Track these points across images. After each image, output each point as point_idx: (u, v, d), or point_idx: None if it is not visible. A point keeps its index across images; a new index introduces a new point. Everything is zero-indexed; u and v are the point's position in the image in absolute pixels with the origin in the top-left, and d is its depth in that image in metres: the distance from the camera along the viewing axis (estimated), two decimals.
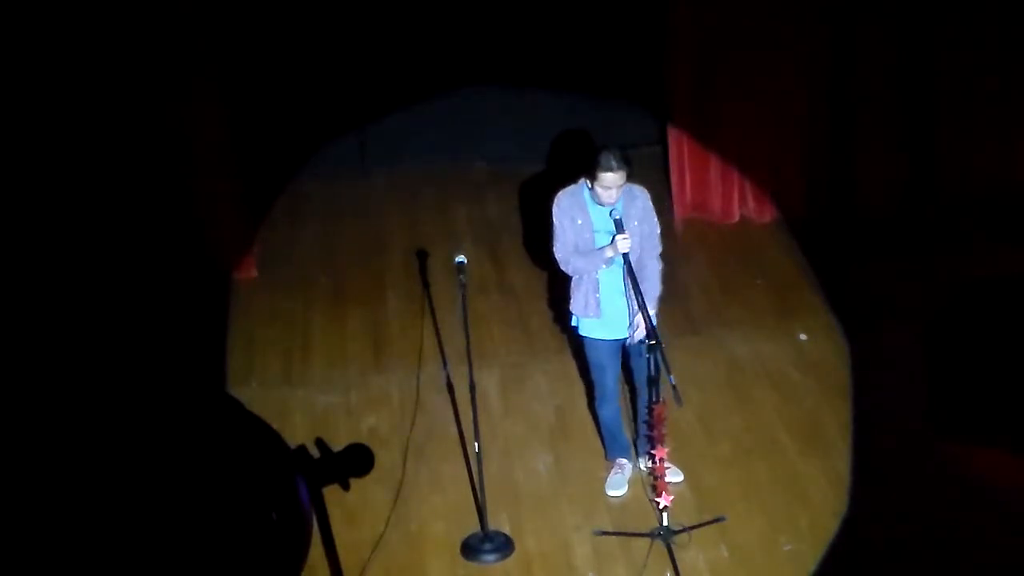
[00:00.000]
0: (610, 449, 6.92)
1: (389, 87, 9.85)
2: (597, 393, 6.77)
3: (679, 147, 9.16)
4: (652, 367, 6.14)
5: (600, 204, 6.29)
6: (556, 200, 6.41)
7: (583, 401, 7.40)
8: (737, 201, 9.24)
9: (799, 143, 9.07)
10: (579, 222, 6.35)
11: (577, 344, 7.02)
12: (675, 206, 9.19)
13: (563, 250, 6.41)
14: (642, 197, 6.43)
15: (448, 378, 7.48)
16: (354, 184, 10.02)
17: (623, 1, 9.70)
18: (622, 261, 6.22)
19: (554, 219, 6.40)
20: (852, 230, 8.97)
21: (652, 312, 6.29)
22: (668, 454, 6.32)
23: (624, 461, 6.88)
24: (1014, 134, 9.10)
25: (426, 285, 8.43)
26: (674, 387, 6.01)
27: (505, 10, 9.69)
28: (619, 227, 6.20)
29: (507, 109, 10.05)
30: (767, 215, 9.25)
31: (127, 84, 8.21)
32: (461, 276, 6.25)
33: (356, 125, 10.02)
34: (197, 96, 8.42)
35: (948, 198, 9.07)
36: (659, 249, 6.51)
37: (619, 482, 6.82)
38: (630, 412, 7.09)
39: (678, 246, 8.87)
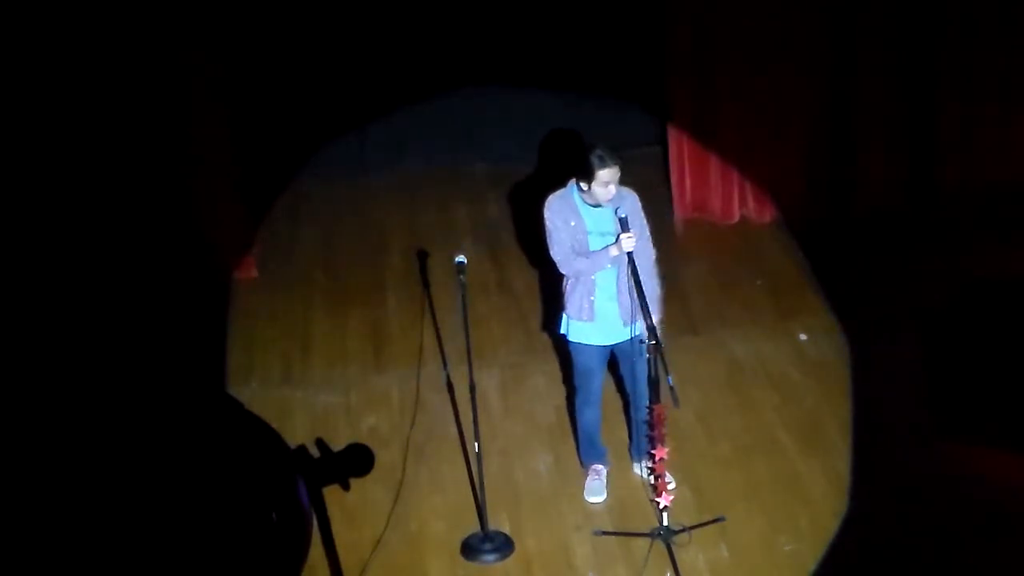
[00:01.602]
0: (586, 455, 6.87)
1: (389, 87, 9.86)
2: (580, 398, 6.72)
3: (679, 147, 9.15)
4: (652, 368, 6.14)
5: (594, 205, 6.24)
6: (547, 204, 6.35)
7: None
8: (737, 201, 9.24)
9: (799, 143, 9.07)
10: (572, 224, 6.29)
11: (562, 346, 6.96)
12: (675, 206, 9.19)
13: (561, 252, 6.35)
14: (630, 199, 6.35)
15: (448, 378, 7.47)
16: (354, 184, 10.02)
17: (623, 1, 9.70)
18: (621, 262, 6.20)
19: (547, 223, 6.34)
20: (852, 230, 8.97)
21: (656, 316, 6.22)
22: (668, 454, 6.32)
23: (600, 467, 6.83)
24: (1014, 134, 9.10)
25: (426, 285, 8.43)
26: (672, 388, 5.99)
27: (505, 10, 9.69)
28: (623, 225, 6.14)
29: (507, 109, 10.05)
30: (767, 215, 9.25)
31: (127, 84, 8.21)
32: (461, 276, 6.24)
33: (356, 125, 10.02)
34: (197, 96, 8.42)
35: (948, 198, 9.06)
36: (653, 252, 6.44)
37: (598, 488, 6.78)
38: (622, 416, 7.11)
39: (678, 246, 8.88)
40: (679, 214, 9.20)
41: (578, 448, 6.94)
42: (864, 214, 9.06)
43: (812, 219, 9.10)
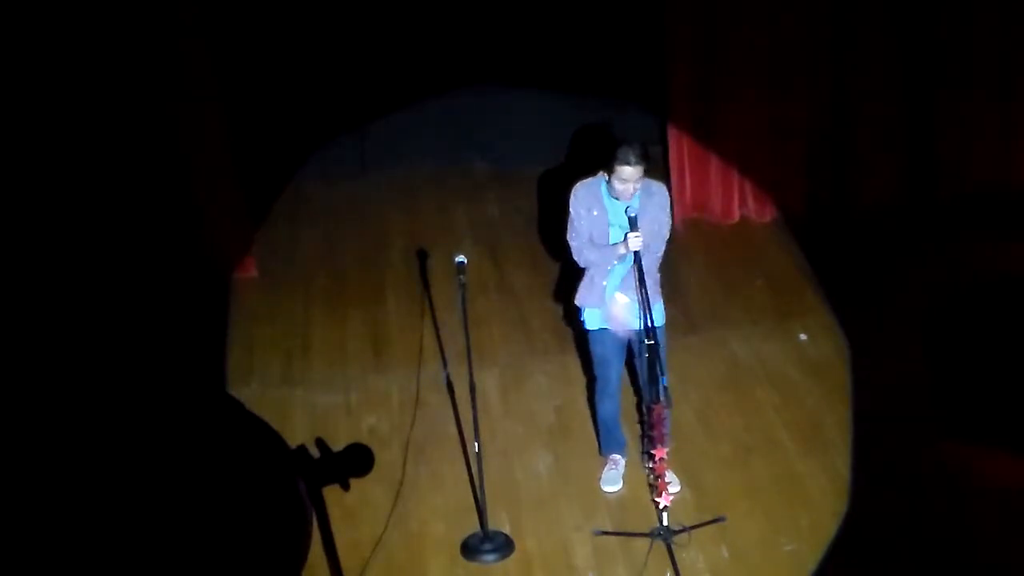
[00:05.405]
0: (605, 445, 6.91)
1: (389, 87, 9.85)
2: (598, 387, 6.76)
3: (679, 147, 9.16)
4: (650, 367, 6.14)
5: (616, 198, 6.29)
6: (573, 191, 6.41)
7: (583, 401, 7.40)
8: (737, 201, 9.25)
9: (799, 143, 9.07)
10: (595, 213, 6.34)
11: (582, 338, 7.00)
12: (675, 206, 9.18)
13: (577, 240, 6.41)
14: (659, 194, 6.41)
15: (448, 378, 7.47)
16: (354, 184, 10.02)
17: (623, 1, 9.70)
18: (632, 259, 6.22)
19: (570, 209, 6.39)
20: (852, 230, 8.97)
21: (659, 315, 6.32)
22: (668, 454, 6.32)
23: (618, 457, 6.87)
24: (1014, 134, 9.10)
25: (426, 285, 8.43)
26: (665, 388, 6.01)
27: (505, 10, 9.70)
28: (632, 225, 6.19)
29: (507, 109, 10.05)
30: (767, 215, 9.26)
31: (127, 84, 8.21)
32: (461, 276, 6.24)
33: (356, 125, 10.02)
34: (196, 96, 8.42)
35: (948, 198, 9.07)
36: (661, 249, 6.48)
37: (614, 478, 6.82)
38: (633, 412, 7.10)
39: (678, 246, 8.86)
40: (679, 214, 9.17)
41: (597, 438, 6.96)
42: (864, 214, 9.06)
43: (812, 219, 9.10)
